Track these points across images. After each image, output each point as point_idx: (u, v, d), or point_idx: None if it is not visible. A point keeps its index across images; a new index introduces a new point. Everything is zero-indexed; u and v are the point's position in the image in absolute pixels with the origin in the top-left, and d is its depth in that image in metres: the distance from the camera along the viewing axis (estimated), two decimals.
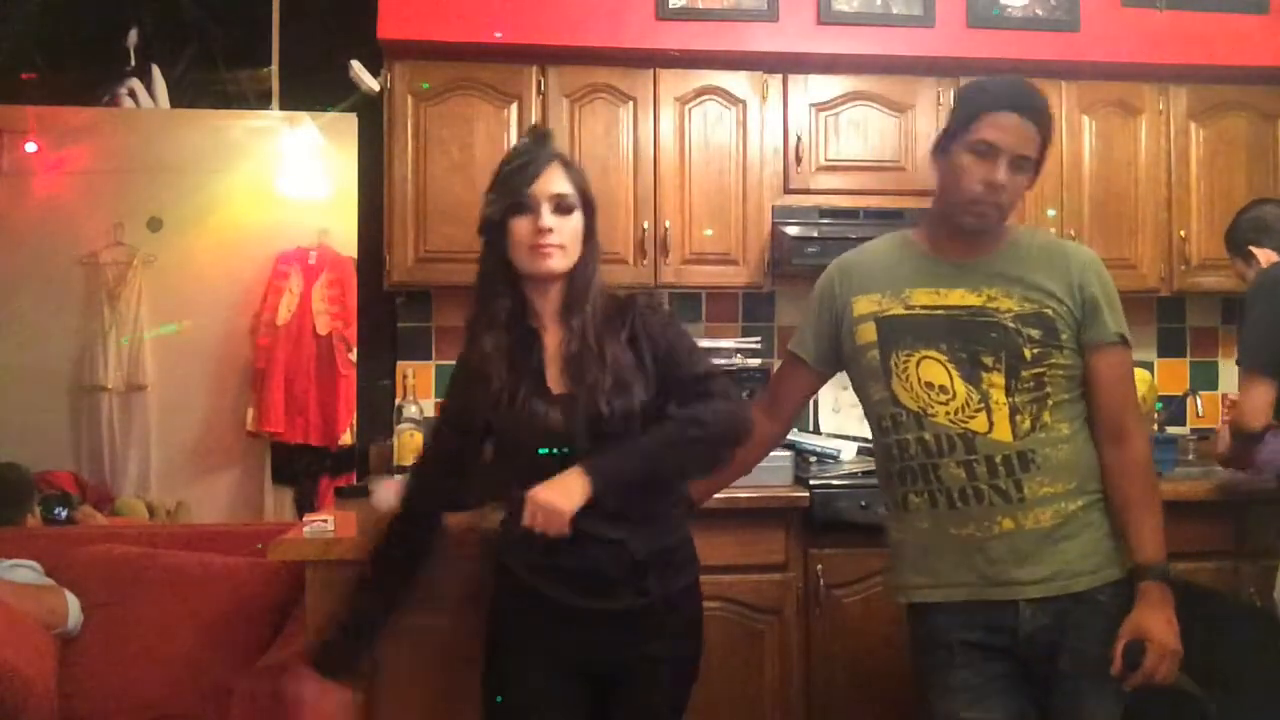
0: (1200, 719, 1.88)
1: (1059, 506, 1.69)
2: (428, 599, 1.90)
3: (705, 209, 2.95)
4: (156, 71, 4.81)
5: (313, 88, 3.85)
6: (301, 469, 4.72)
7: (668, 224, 2.92)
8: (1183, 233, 3.11)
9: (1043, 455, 1.68)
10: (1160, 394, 3.27)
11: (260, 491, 4.79)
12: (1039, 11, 3.02)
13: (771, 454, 2.18)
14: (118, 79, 4.76)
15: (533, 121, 2.88)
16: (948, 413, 1.70)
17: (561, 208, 1.70)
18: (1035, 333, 1.70)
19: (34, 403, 4.57)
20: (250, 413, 4.69)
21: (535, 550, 1.66)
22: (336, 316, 4.71)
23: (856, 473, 2.68)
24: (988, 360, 1.70)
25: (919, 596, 1.76)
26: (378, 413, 3.11)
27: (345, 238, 4.00)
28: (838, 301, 1.84)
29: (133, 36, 4.72)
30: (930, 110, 2.99)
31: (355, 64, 3.02)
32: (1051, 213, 3.05)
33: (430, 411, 2.96)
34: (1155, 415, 3.19)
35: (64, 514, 3.80)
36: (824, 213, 2.90)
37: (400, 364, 3.12)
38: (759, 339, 3.00)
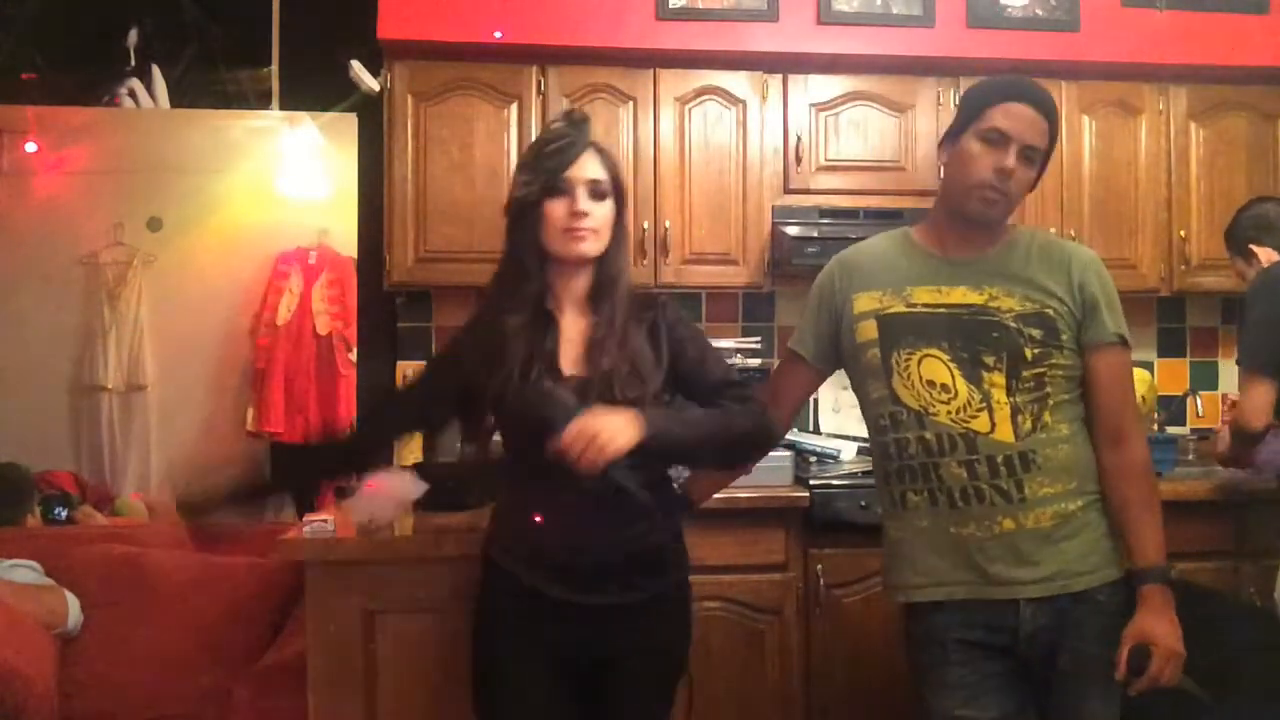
0: (1201, 718, 1.88)
1: (1059, 507, 1.69)
2: (428, 599, 1.91)
3: (705, 209, 2.95)
4: (156, 71, 4.82)
5: (313, 88, 3.86)
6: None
7: (668, 224, 2.92)
8: (1183, 233, 3.11)
9: (1043, 456, 1.68)
10: (1160, 394, 3.28)
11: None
12: (1039, 11, 3.02)
13: (771, 454, 2.17)
14: (118, 79, 4.77)
15: (532, 122, 2.88)
16: (949, 412, 1.70)
17: (596, 193, 1.70)
18: (1036, 332, 1.70)
19: (34, 403, 4.57)
20: (250, 413, 4.68)
21: (529, 540, 1.66)
22: (336, 316, 4.71)
23: (856, 473, 2.68)
24: (989, 359, 1.69)
25: (918, 596, 1.76)
26: None
27: (345, 238, 4.00)
28: (837, 299, 1.84)
29: (133, 36, 4.73)
30: (930, 110, 2.99)
31: (355, 64, 3.02)
32: (1052, 213, 3.05)
33: None
34: (1155, 415, 3.19)
35: (64, 514, 3.80)
36: (824, 213, 2.90)
37: (400, 364, 3.13)
38: (759, 339, 3.00)
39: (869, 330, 1.77)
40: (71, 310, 4.73)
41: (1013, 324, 1.70)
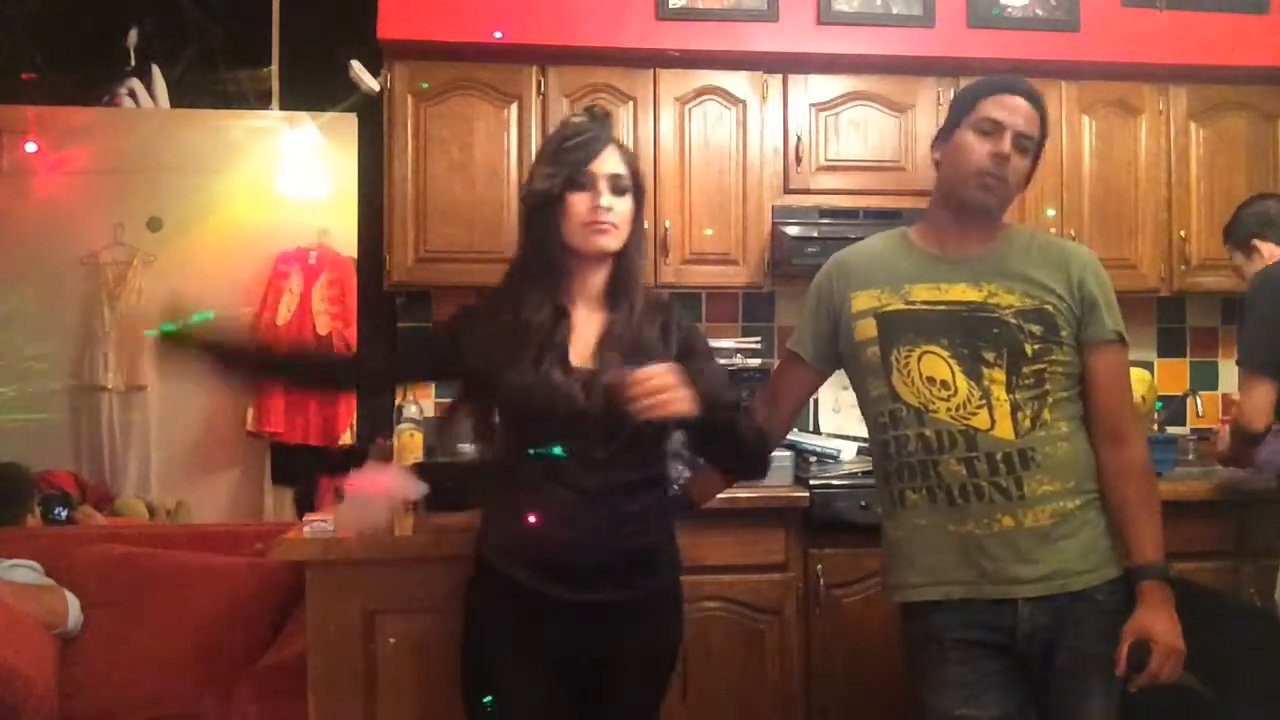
0: (1201, 714, 1.88)
1: (1058, 505, 1.69)
2: (428, 599, 1.91)
3: (705, 209, 2.95)
4: (156, 71, 4.82)
5: (313, 88, 3.86)
6: (301, 469, 4.72)
7: (668, 224, 2.92)
8: (1183, 233, 3.11)
9: (1043, 453, 1.68)
10: (1160, 394, 3.27)
11: (260, 491, 4.79)
12: (1039, 11, 3.02)
13: (772, 454, 2.18)
14: (118, 79, 4.77)
15: (532, 122, 2.88)
16: (949, 409, 1.70)
17: (617, 189, 1.71)
18: (1036, 329, 1.70)
19: (34, 403, 4.57)
20: (250, 412, 4.68)
21: (526, 539, 1.66)
22: (336, 316, 4.71)
23: (856, 473, 2.68)
24: (989, 356, 1.70)
25: (917, 595, 1.75)
26: (378, 413, 3.11)
27: (345, 238, 4.00)
28: (835, 299, 1.84)
29: (133, 36, 4.73)
30: (930, 110, 2.99)
31: (355, 64, 3.02)
32: (1051, 213, 3.05)
33: (430, 411, 2.96)
34: (1155, 415, 3.19)
35: (64, 514, 3.80)
36: (824, 213, 2.90)
37: None
38: (759, 339, 3.00)
39: (868, 328, 1.77)
40: (71, 310, 4.72)
41: (1012, 320, 1.70)
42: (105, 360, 4.71)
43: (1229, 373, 3.43)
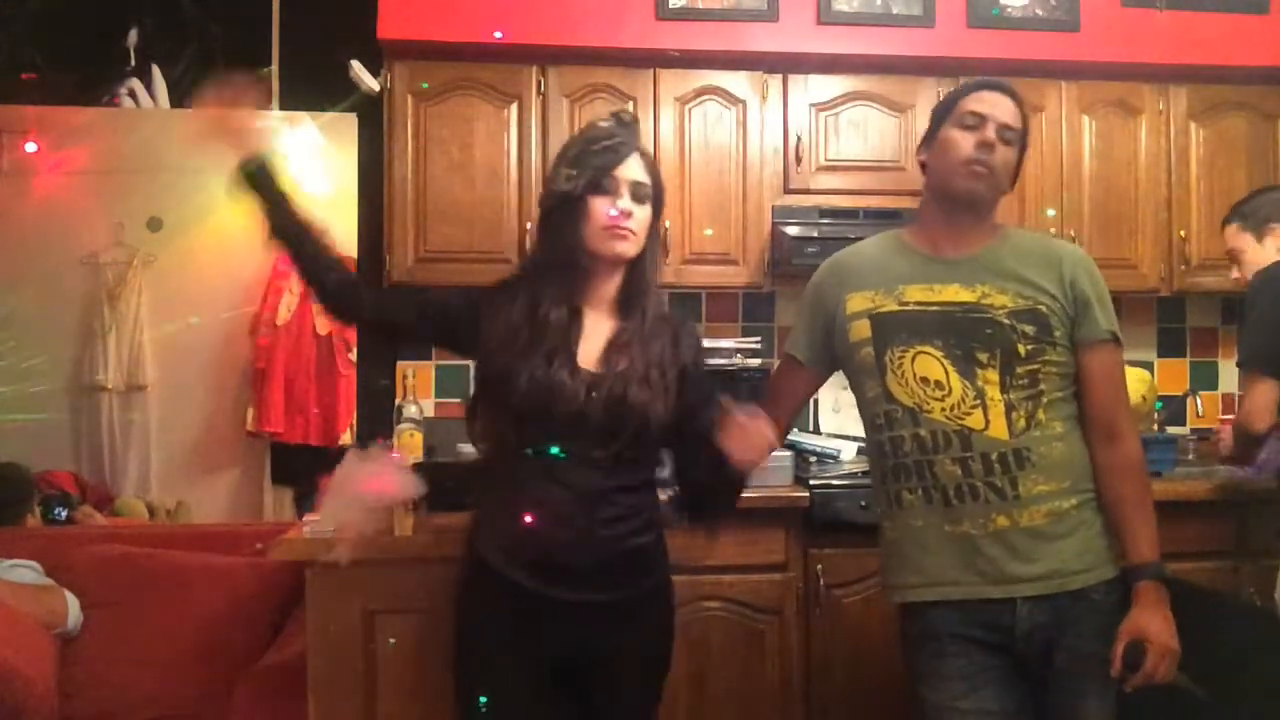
0: (1200, 714, 1.88)
1: (1053, 505, 1.69)
2: (428, 599, 1.91)
3: (705, 209, 2.95)
4: (156, 71, 4.82)
5: (313, 88, 3.86)
6: (301, 469, 4.72)
7: (667, 224, 2.91)
8: (1183, 233, 3.11)
9: (1038, 453, 1.69)
10: (1160, 394, 3.27)
11: (260, 491, 4.78)
12: (1039, 11, 3.02)
13: (771, 454, 2.17)
14: (118, 79, 4.77)
15: (532, 122, 2.88)
16: (943, 409, 1.70)
17: (638, 196, 1.72)
18: (1029, 329, 1.70)
19: (34, 403, 4.57)
20: (250, 413, 4.68)
21: (526, 539, 1.66)
22: None
23: (856, 473, 2.68)
24: (982, 356, 1.70)
25: (915, 596, 1.76)
26: (378, 413, 3.11)
27: (345, 238, 3.99)
28: (830, 300, 1.85)
29: (133, 36, 4.73)
30: (930, 110, 2.98)
31: (355, 64, 3.02)
32: (1051, 213, 3.05)
33: (430, 412, 2.96)
34: (1155, 415, 3.19)
35: (64, 514, 3.80)
36: (824, 213, 2.90)
37: (400, 364, 3.13)
38: (759, 339, 3.00)
39: (862, 330, 1.78)
40: (71, 310, 4.72)
41: (1006, 320, 1.70)
42: (105, 360, 4.70)
43: (1229, 373, 3.44)
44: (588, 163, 1.70)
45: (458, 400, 3.11)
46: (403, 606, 2.07)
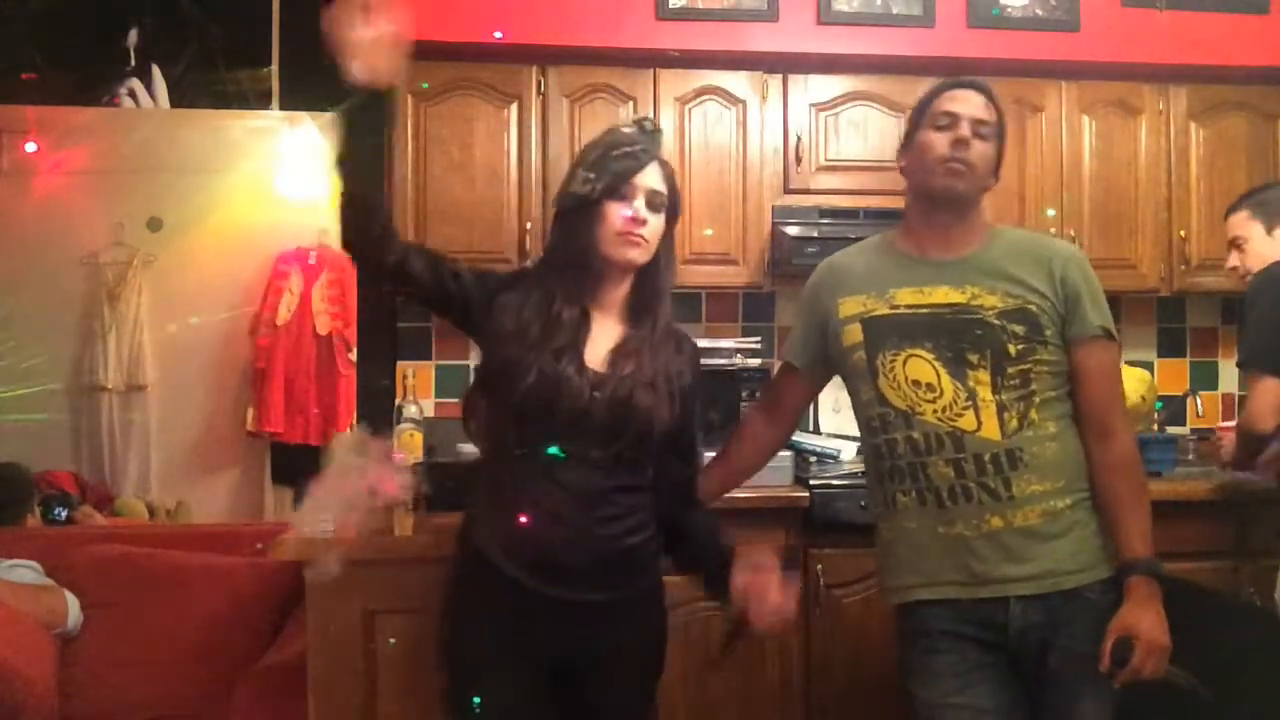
0: (1200, 714, 1.88)
1: (1047, 505, 1.69)
2: (428, 599, 1.90)
3: (705, 209, 2.95)
4: (156, 71, 4.82)
5: (313, 88, 3.86)
6: (301, 469, 4.72)
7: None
8: (1183, 233, 3.11)
9: (1030, 454, 1.68)
10: (1160, 394, 3.27)
11: (260, 491, 4.79)
12: (1039, 11, 3.02)
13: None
14: (118, 79, 4.77)
15: (532, 122, 2.88)
16: (935, 411, 1.70)
17: (654, 205, 1.72)
18: (1019, 329, 1.70)
19: (34, 403, 4.57)
20: (250, 413, 4.69)
21: (525, 538, 1.65)
22: (336, 316, 4.71)
23: (856, 473, 2.68)
24: (973, 357, 1.70)
25: (911, 596, 1.76)
26: (378, 413, 3.11)
27: None
28: (823, 305, 1.85)
29: (133, 36, 4.74)
30: None
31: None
32: (1051, 213, 3.05)
33: (430, 412, 2.96)
34: (1155, 415, 3.19)
35: (64, 514, 3.80)
36: (824, 213, 2.90)
37: (400, 364, 3.12)
38: (759, 339, 3.00)
39: (854, 334, 1.79)
40: (71, 310, 4.73)
41: (995, 321, 1.70)
42: (105, 360, 4.71)
43: (1229, 373, 3.44)
44: (607, 167, 1.70)
45: (458, 400, 3.10)
46: (403, 606, 2.07)
